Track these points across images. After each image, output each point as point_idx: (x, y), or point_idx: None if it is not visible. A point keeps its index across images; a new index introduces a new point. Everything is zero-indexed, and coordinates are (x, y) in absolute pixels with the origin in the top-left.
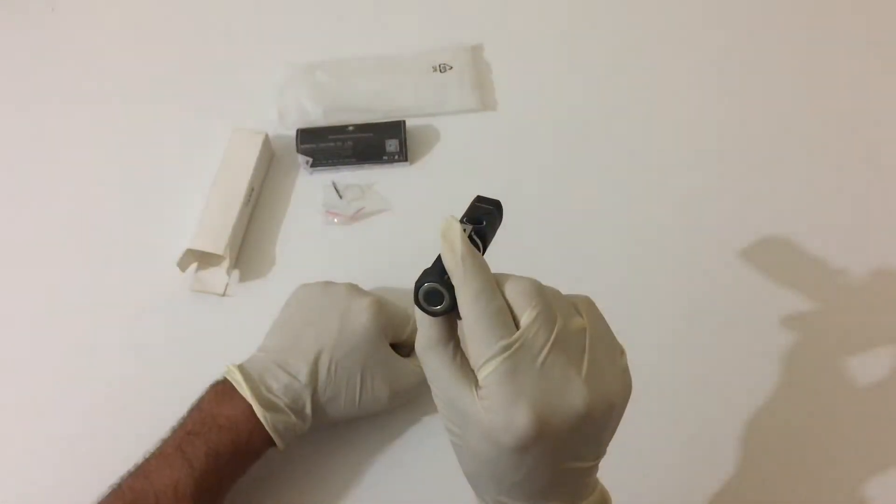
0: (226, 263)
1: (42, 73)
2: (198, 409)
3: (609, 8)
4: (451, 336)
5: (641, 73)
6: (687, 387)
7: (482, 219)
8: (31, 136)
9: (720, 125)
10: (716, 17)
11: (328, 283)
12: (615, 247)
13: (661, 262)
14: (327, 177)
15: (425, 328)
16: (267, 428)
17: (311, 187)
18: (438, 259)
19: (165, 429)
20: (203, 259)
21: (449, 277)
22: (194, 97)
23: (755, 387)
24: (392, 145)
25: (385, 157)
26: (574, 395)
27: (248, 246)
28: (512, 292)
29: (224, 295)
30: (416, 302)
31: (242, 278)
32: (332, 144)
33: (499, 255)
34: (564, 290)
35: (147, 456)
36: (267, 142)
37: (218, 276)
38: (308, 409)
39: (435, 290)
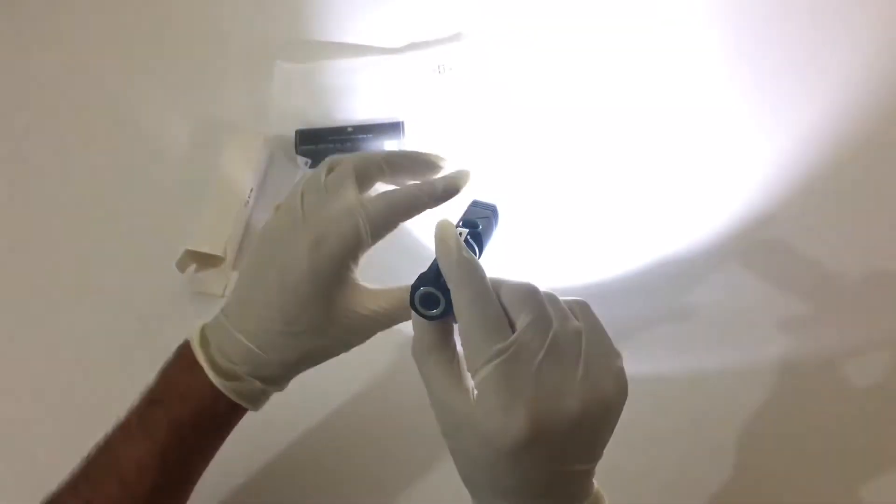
0: (225, 264)
1: (40, 72)
2: (163, 374)
3: (610, 5)
4: (447, 340)
5: (643, 73)
6: (683, 390)
7: (478, 222)
8: (27, 137)
9: (718, 123)
10: (711, 7)
11: (279, 215)
12: (613, 249)
13: (658, 264)
14: None
15: (421, 332)
16: (230, 396)
17: None
18: (434, 263)
19: None
20: (202, 260)
21: (445, 281)
22: (193, 97)
23: (752, 390)
24: (391, 146)
25: None
26: (570, 399)
27: (246, 247)
28: (508, 296)
29: (223, 296)
30: (412, 306)
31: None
32: (331, 145)
33: (495, 257)
34: (560, 294)
35: (114, 426)
36: (266, 142)
37: (217, 276)
38: (276, 372)
39: (431, 294)
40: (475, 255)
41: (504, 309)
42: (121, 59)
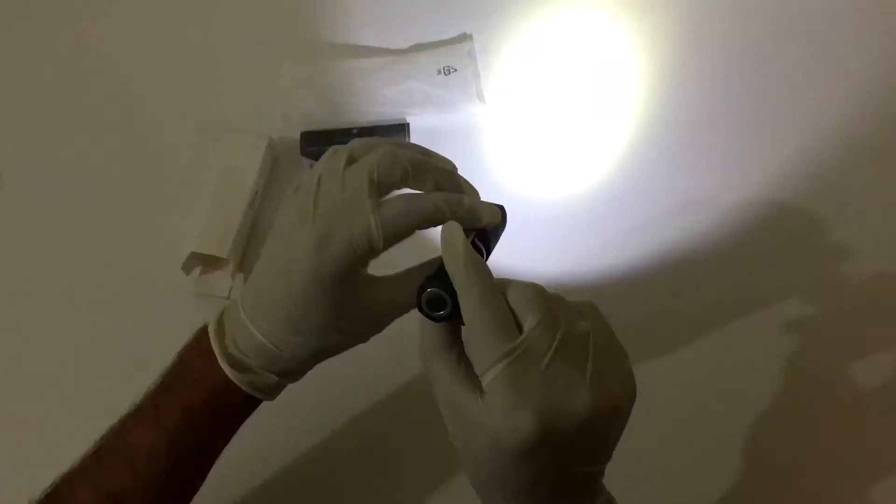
0: (230, 266)
1: (44, 75)
2: (179, 360)
3: (613, 7)
4: (455, 341)
5: (645, 73)
6: (690, 391)
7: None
8: (31, 138)
9: (721, 124)
10: (715, 11)
11: (293, 203)
12: (619, 250)
13: (664, 265)
14: None
15: (429, 333)
16: (243, 388)
17: None
18: (441, 265)
19: None
20: (207, 262)
21: (452, 283)
22: (198, 99)
23: (759, 391)
24: None
25: None
26: (578, 400)
27: (252, 249)
28: (515, 297)
29: (228, 298)
30: (420, 307)
31: (247, 281)
32: None
33: (501, 258)
34: (567, 295)
35: (129, 409)
36: (271, 144)
37: (222, 279)
38: (290, 366)
39: (438, 295)
40: (482, 256)
41: (511, 310)
42: (126, 61)
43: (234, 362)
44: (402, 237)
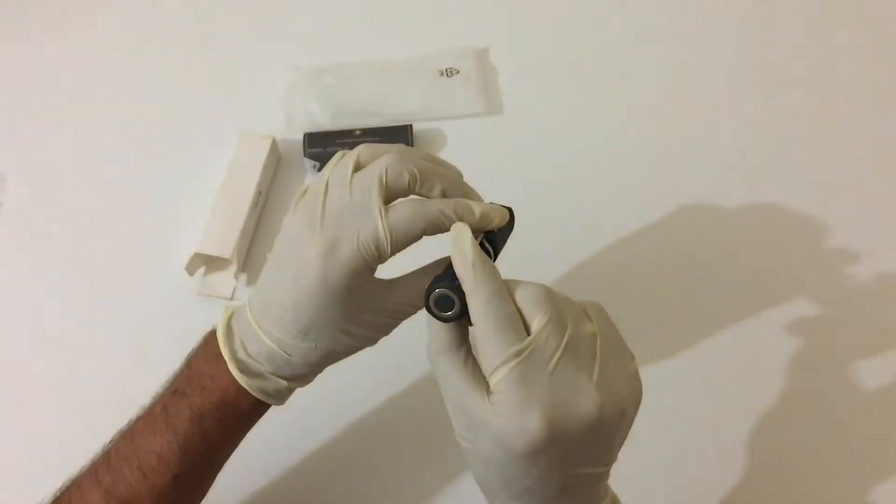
0: (233, 267)
1: (49, 78)
2: (188, 364)
3: (616, 10)
4: (463, 342)
5: (648, 75)
6: (696, 392)
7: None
8: (35, 138)
9: (729, 129)
10: (725, 18)
11: (301, 208)
12: (624, 252)
13: (670, 266)
14: None
15: (436, 334)
16: (253, 393)
17: None
18: (449, 265)
19: None
20: (211, 263)
21: (460, 283)
22: (201, 101)
23: (764, 392)
24: None
25: None
26: (585, 401)
27: (255, 250)
28: (522, 298)
29: (232, 299)
30: (427, 308)
31: (250, 282)
32: (339, 148)
33: (509, 260)
34: (574, 296)
35: (139, 413)
36: (274, 146)
37: (225, 279)
38: (300, 372)
39: (446, 296)
40: (490, 257)
41: (519, 311)
42: (130, 62)
43: (243, 367)
44: (409, 242)
